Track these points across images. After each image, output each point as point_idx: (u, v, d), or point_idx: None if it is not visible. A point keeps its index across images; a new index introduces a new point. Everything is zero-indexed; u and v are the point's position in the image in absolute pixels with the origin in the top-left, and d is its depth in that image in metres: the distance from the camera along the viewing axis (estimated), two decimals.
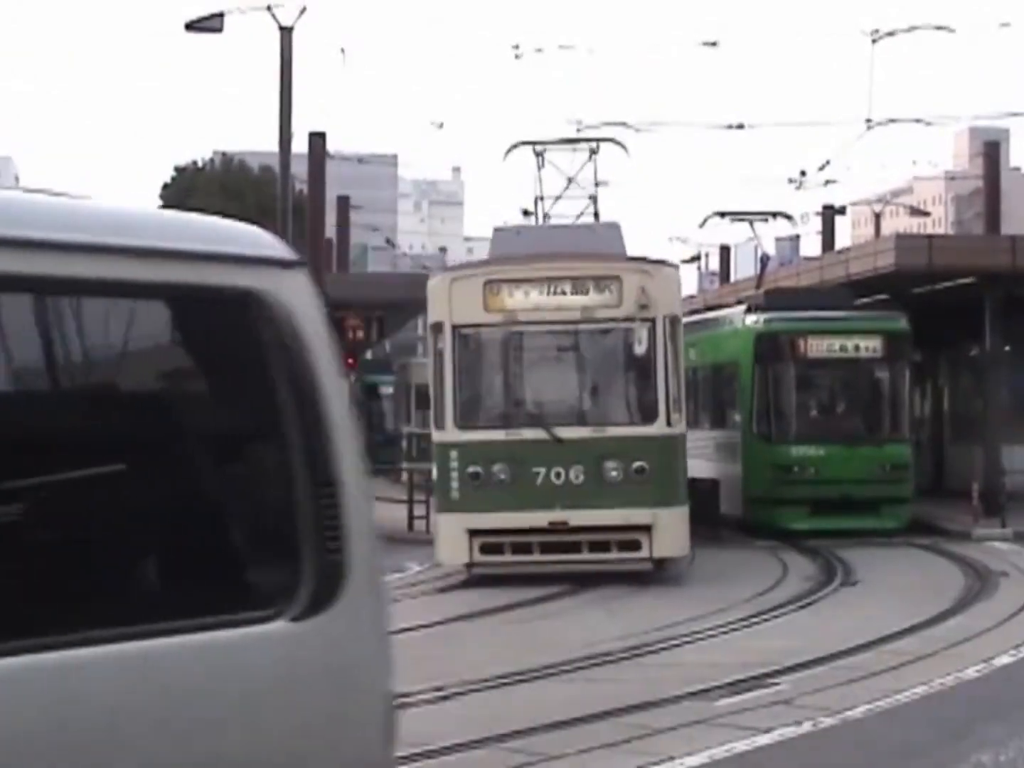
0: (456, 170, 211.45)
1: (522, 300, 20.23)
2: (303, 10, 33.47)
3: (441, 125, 36.10)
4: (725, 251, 61.69)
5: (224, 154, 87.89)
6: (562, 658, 14.33)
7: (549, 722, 11.34)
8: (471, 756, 10.47)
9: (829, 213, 51.70)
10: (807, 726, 11.40)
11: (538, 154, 25.99)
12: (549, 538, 20.14)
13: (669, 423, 20.24)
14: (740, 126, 35.08)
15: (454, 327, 20.29)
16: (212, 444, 3.81)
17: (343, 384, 4.20)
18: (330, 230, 46.80)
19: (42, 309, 3.49)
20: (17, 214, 3.51)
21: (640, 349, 20.38)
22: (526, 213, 32.42)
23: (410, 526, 28.52)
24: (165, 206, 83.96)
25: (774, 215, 35.89)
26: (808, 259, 47.78)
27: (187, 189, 79.02)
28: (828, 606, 19.11)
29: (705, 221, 36.49)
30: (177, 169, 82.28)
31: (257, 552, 3.88)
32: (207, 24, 33.35)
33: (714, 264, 68.87)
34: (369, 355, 60.05)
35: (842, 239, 67.44)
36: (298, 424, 3.84)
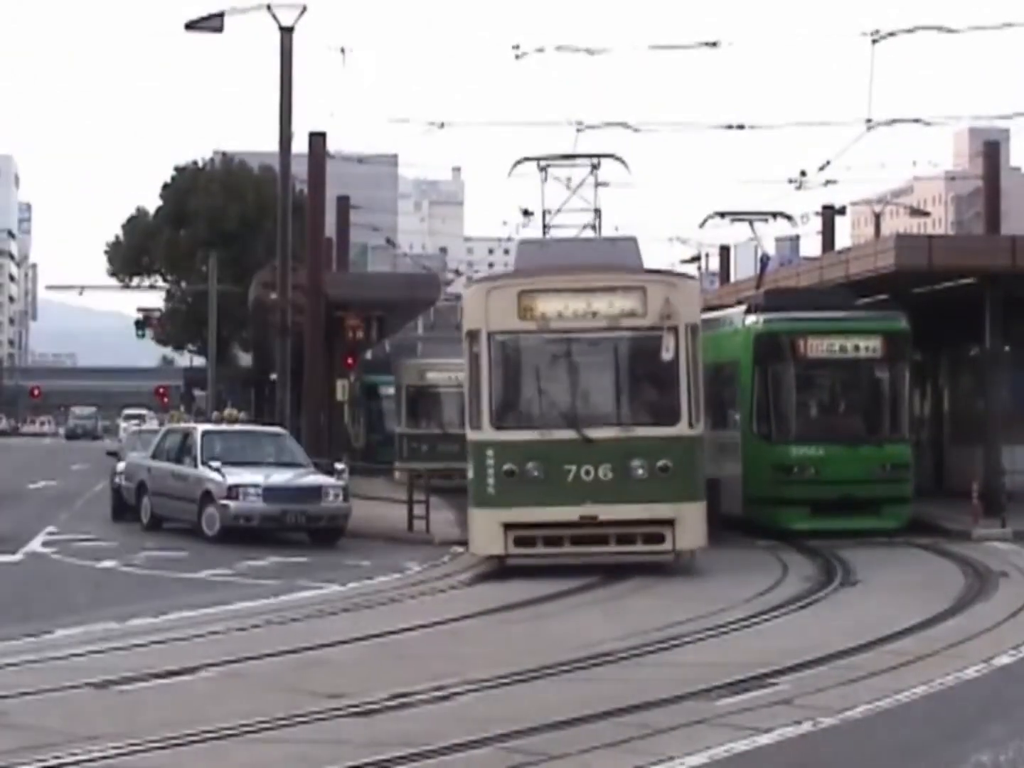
0: (456, 170, 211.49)
1: (554, 309, 21.62)
2: (303, 10, 33.52)
3: (441, 125, 35.93)
4: (725, 251, 61.74)
5: (224, 154, 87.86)
6: (562, 658, 14.34)
7: (549, 722, 11.34)
8: (471, 756, 10.47)
9: (829, 213, 51.74)
10: (807, 726, 11.41)
11: (541, 169, 26.95)
12: (579, 531, 21.43)
13: (691, 424, 21.67)
14: (740, 126, 35.06)
15: (490, 334, 21.64)
16: None
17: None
18: (330, 230, 46.83)
19: None
20: None
21: (664, 355, 21.61)
22: (526, 213, 32.54)
23: (410, 526, 28.52)
24: (165, 206, 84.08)
25: (774, 215, 35.87)
26: (808, 259, 47.82)
27: (187, 189, 79.00)
28: (828, 606, 19.12)
29: (705, 221, 36.48)
30: (177, 169, 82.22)
31: None
32: (207, 24, 33.40)
33: (714, 264, 68.94)
34: (369, 355, 60.11)
35: (842, 239, 67.56)
36: None
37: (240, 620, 17.39)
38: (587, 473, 21.33)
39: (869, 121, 32.85)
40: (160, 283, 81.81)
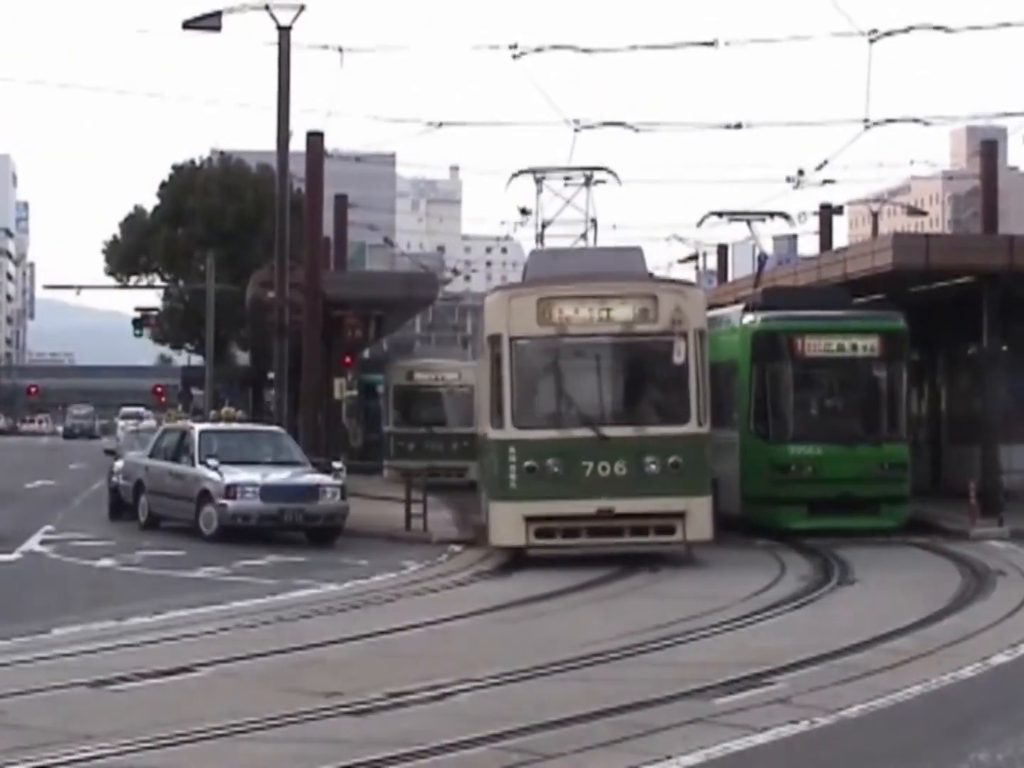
0: (454, 169, 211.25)
1: (572, 315, 23.03)
2: (301, 9, 33.47)
3: (439, 124, 35.93)
4: (723, 250, 61.69)
5: (222, 153, 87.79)
6: (558, 657, 14.33)
7: (545, 721, 11.34)
8: (466, 755, 10.46)
9: (827, 212, 51.70)
10: (804, 725, 11.40)
11: (538, 180, 28.64)
12: (596, 523, 22.79)
13: (699, 423, 23.16)
14: (738, 126, 35.03)
15: (511, 338, 23.00)
16: None
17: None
18: (328, 229, 46.76)
19: None
20: None
21: (674, 359, 23.17)
22: (524, 212, 32.63)
23: (408, 525, 28.52)
24: (163, 205, 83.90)
25: (772, 215, 35.86)
26: (806, 258, 47.82)
27: (185, 188, 78.92)
28: (825, 605, 19.12)
29: (703, 220, 36.49)
30: (175, 168, 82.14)
31: None
32: (205, 23, 33.36)
33: (712, 263, 68.91)
34: (367, 354, 60.09)
35: (840, 238, 67.56)
36: None
37: (237, 619, 17.39)
38: (603, 469, 22.73)
39: (867, 120, 32.85)
40: (158, 282, 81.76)
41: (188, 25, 33.47)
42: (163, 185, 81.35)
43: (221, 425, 31.77)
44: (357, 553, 25.39)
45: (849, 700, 12.25)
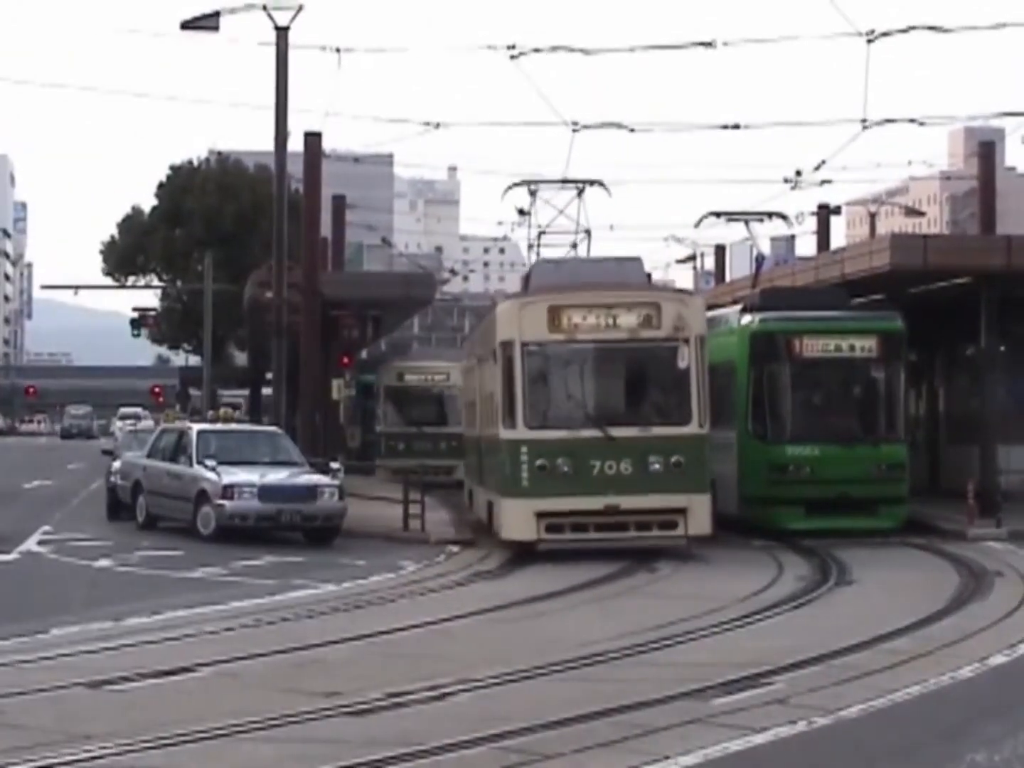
0: (452, 169, 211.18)
1: (580, 322, 24.23)
2: (299, 9, 33.46)
3: (437, 125, 35.93)
4: (720, 251, 61.66)
5: (220, 153, 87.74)
6: (557, 657, 14.34)
7: (544, 721, 11.34)
8: (466, 755, 10.47)
9: (824, 213, 51.71)
10: (802, 725, 11.41)
11: (532, 192, 29.91)
12: (603, 519, 23.90)
13: (700, 425, 24.31)
14: (736, 126, 35.01)
15: (523, 344, 24.22)
16: None
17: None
18: (326, 229, 46.76)
19: None
20: None
21: (676, 363, 24.37)
22: (521, 212, 32.71)
23: (405, 525, 28.53)
24: (161, 205, 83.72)
25: (769, 215, 35.85)
26: (803, 259, 47.82)
27: (183, 188, 78.82)
28: (823, 605, 19.13)
29: (700, 221, 36.48)
30: (173, 168, 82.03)
31: None
32: (203, 24, 33.35)
33: (709, 264, 68.92)
34: (364, 354, 60.07)
35: (837, 239, 67.60)
36: None
37: (235, 619, 17.39)
38: (610, 467, 23.89)
39: (864, 121, 32.84)
40: (156, 282, 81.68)
41: (186, 25, 33.45)
42: (161, 185, 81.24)
43: (219, 425, 31.77)
44: (355, 553, 25.39)
45: (847, 700, 12.26)
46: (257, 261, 55.90)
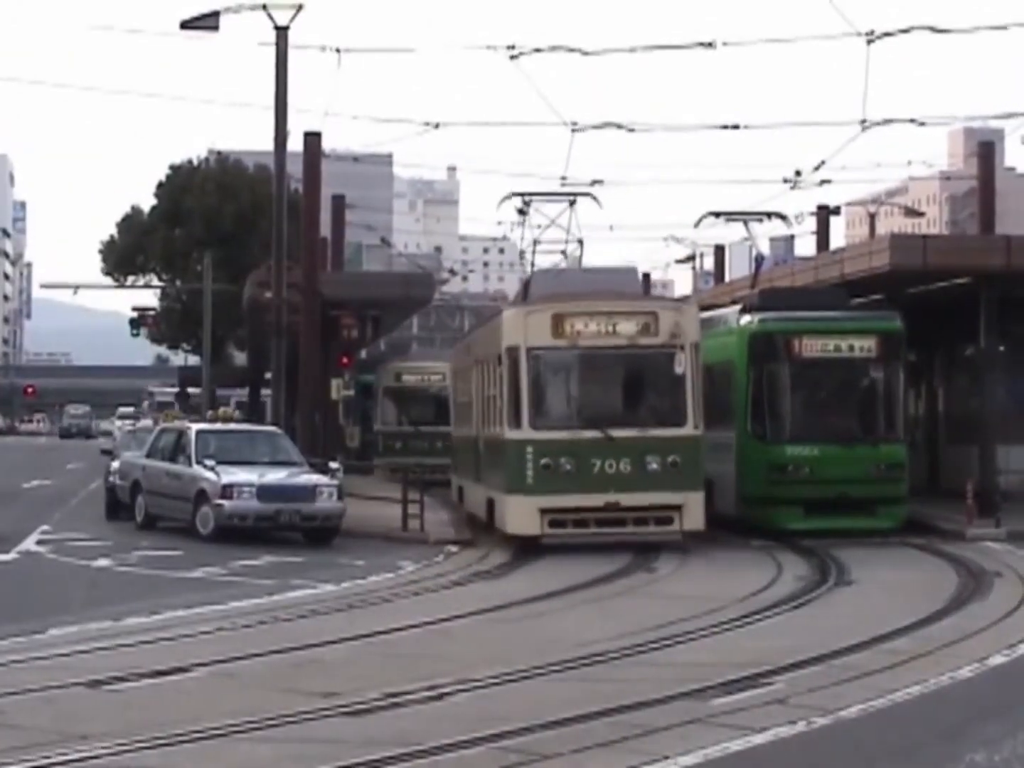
0: (451, 169, 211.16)
1: (582, 329, 25.49)
2: (299, 9, 33.44)
3: (436, 125, 35.92)
4: (720, 251, 61.64)
5: (219, 153, 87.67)
6: (556, 657, 14.33)
7: (543, 721, 11.33)
8: (464, 756, 10.46)
9: (824, 213, 51.69)
10: (801, 726, 11.40)
11: (526, 203, 30.96)
12: (603, 515, 25.16)
13: (695, 426, 25.55)
14: (735, 126, 35.00)
15: (528, 349, 25.46)
16: None
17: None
18: (325, 229, 46.74)
19: None
20: None
21: (673, 369, 25.58)
22: (521, 212, 32.78)
23: (404, 526, 28.52)
24: (160, 204, 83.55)
25: (769, 215, 35.80)
26: (803, 259, 47.80)
27: (182, 188, 78.74)
28: (823, 606, 19.12)
29: (700, 221, 36.42)
30: (172, 168, 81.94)
31: None
32: (203, 23, 33.32)
33: (709, 264, 68.91)
34: (364, 354, 60.05)
35: (837, 239, 67.58)
36: None
37: (234, 619, 17.38)
38: (610, 466, 25.09)
39: (864, 121, 32.81)
40: (155, 282, 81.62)
41: (186, 25, 33.43)
42: (160, 185, 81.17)
43: (218, 425, 31.75)
44: (354, 553, 25.38)
45: (847, 700, 12.25)
46: (256, 261, 55.87)
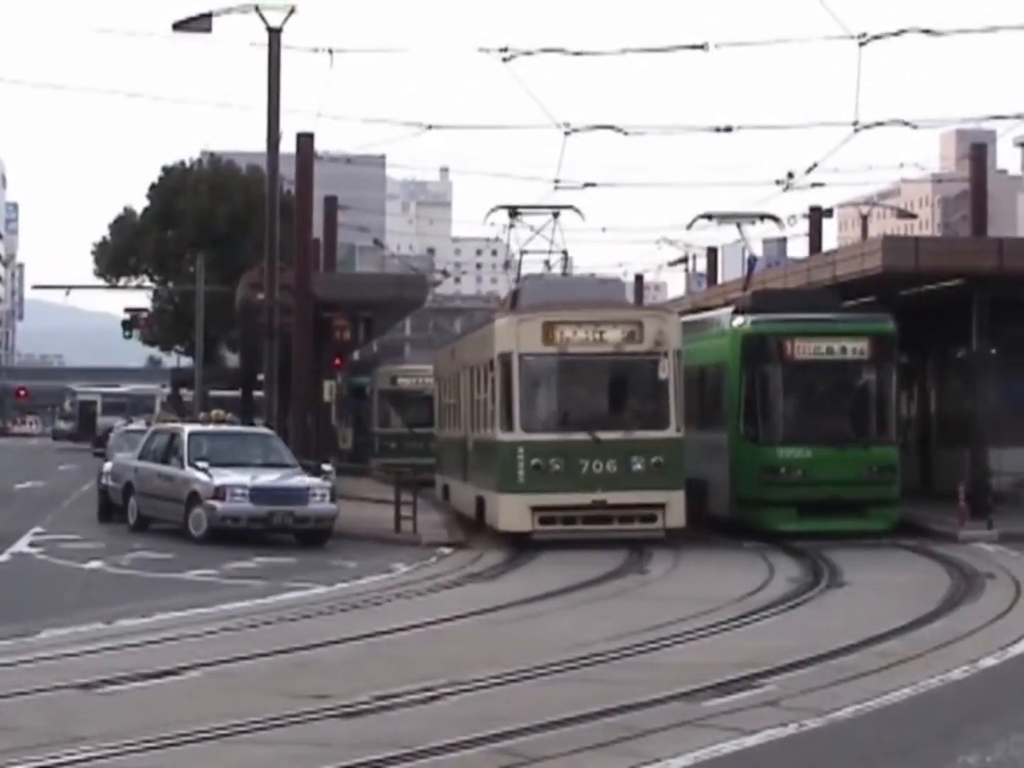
0: (444, 171, 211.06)
1: (571, 336, 26.74)
2: (291, 11, 33.43)
3: (429, 127, 35.93)
4: (712, 253, 61.69)
5: (212, 154, 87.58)
6: (551, 659, 14.34)
7: (538, 723, 11.35)
8: (460, 757, 10.47)
9: (816, 215, 51.72)
10: (794, 727, 11.42)
11: (512, 216, 32.79)
12: (590, 512, 26.35)
13: (677, 429, 26.66)
14: (728, 128, 34.98)
15: (520, 355, 26.65)
16: None
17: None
18: (318, 230, 46.74)
19: None
20: None
21: (656, 374, 26.74)
22: (513, 214, 33.02)
23: (397, 527, 28.52)
24: (153, 206, 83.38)
25: (761, 217, 35.85)
26: (795, 261, 47.80)
27: (175, 189, 78.69)
28: (815, 607, 19.15)
29: (692, 223, 36.44)
30: (165, 169, 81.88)
31: None
32: (195, 25, 33.29)
33: (701, 266, 68.89)
34: (357, 356, 60.04)
35: (829, 241, 67.58)
36: None
37: (227, 621, 17.38)
38: (597, 467, 26.28)
39: (856, 123, 32.81)
40: (147, 283, 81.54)
41: (178, 26, 33.40)
42: (153, 186, 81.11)
43: (210, 427, 31.74)
44: (347, 555, 25.39)
45: (839, 702, 12.27)
46: (249, 262, 55.83)
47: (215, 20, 33.13)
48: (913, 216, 79.96)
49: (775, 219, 36.46)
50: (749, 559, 25.11)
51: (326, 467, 32.53)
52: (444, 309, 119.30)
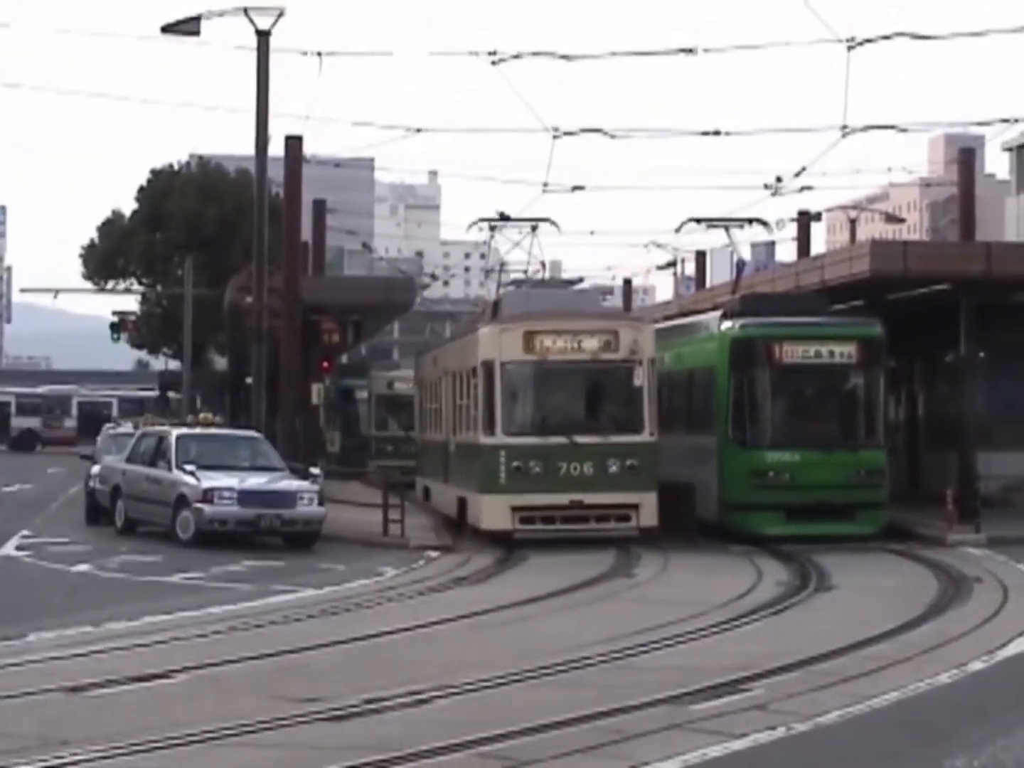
0: (433, 174, 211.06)
1: (551, 345, 27.86)
2: (280, 14, 33.40)
3: (418, 130, 35.94)
4: (701, 257, 61.66)
5: (200, 157, 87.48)
6: (538, 662, 14.34)
7: (525, 727, 11.34)
8: (447, 761, 10.47)
9: (805, 219, 51.72)
10: (781, 731, 11.42)
11: (492, 228, 34.50)
12: (568, 512, 27.42)
13: (651, 433, 27.69)
14: (716, 132, 35.04)
15: (502, 363, 27.77)
16: None
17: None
18: (306, 233, 46.69)
19: None
20: None
21: (631, 381, 27.84)
22: (503, 217, 33.23)
23: (385, 531, 28.51)
24: (141, 209, 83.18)
25: (750, 221, 35.87)
26: (784, 265, 47.84)
27: (163, 192, 78.55)
28: (803, 611, 19.16)
29: (681, 227, 36.47)
30: (153, 172, 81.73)
31: None
32: (184, 27, 33.25)
33: (690, 270, 68.87)
34: (345, 359, 59.97)
35: (817, 245, 67.49)
36: None
37: (215, 624, 17.36)
38: (575, 469, 27.34)
39: (845, 127, 32.85)
40: (135, 286, 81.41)
41: (167, 29, 33.36)
42: (141, 189, 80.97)
43: (198, 430, 31.70)
44: (335, 558, 25.37)
45: (826, 706, 12.27)
46: (237, 265, 55.76)
47: (204, 23, 33.10)
48: (901, 220, 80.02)
49: (763, 223, 36.52)
50: (737, 563, 25.12)
51: (314, 470, 32.52)
52: (435, 312, 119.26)
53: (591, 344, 27.87)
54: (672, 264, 71.43)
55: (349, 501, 35.26)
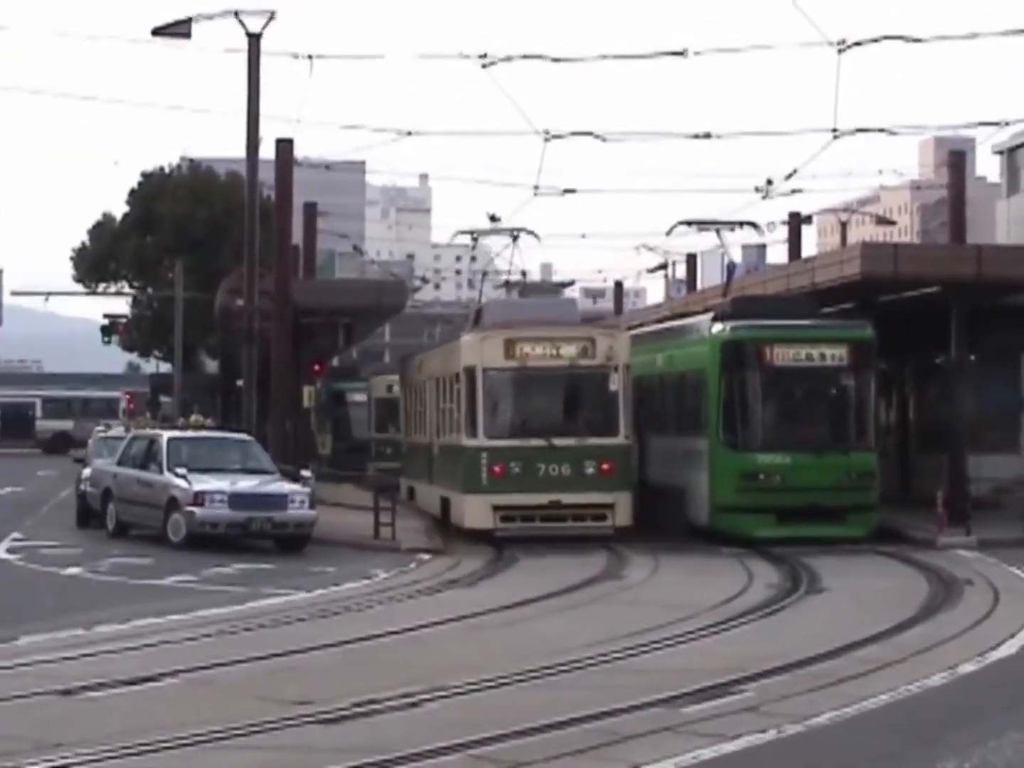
0: (423, 177, 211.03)
1: (530, 352, 29.03)
2: (271, 17, 33.39)
3: (409, 133, 35.92)
4: (692, 259, 61.69)
5: (192, 160, 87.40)
6: (530, 665, 14.35)
7: (518, 729, 11.35)
8: (441, 763, 10.48)
9: (795, 222, 51.75)
10: (772, 733, 11.44)
11: (474, 238, 36.75)
12: (547, 511, 28.55)
13: (626, 437, 29.01)
14: (707, 135, 35.03)
15: (484, 369, 28.93)
16: None
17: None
18: (297, 236, 46.62)
19: None
20: None
21: (607, 387, 28.98)
22: (493, 219, 33.47)
23: (376, 533, 28.51)
24: (132, 212, 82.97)
25: (740, 224, 35.89)
26: (775, 267, 47.86)
27: (154, 195, 78.46)
28: (794, 613, 19.18)
29: (672, 229, 36.47)
30: (144, 175, 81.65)
31: None
32: (175, 30, 33.23)
33: (681, 272, 68.93)
34: (336, 362, 59.99)
35: (808, 248, 67.55)
36: None
37: (207, 627, 17.35)
38: (553, 470, 28.44)
39: (835, 130, 32.84)
40: (127, 289, 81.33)
41: (158, 32, 33.34)
42: (132, 192, 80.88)
43: (189, 433, 31.67)
44: (326, 561, 25.37)
45: (818, 708, 12.30)
46: (228, 268, 55.70)
47: (195, 26, 33.08)
48: (892, 223, 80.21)
49: (754, 226, 36.52)
50: (728, 565, 25.14)
51: (306, 473, 32.51)
52: (428, 315, 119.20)
53: (569, 351, 29.00)
54: (663, 267, 71.47)
55: (341, 504, 35.24)
